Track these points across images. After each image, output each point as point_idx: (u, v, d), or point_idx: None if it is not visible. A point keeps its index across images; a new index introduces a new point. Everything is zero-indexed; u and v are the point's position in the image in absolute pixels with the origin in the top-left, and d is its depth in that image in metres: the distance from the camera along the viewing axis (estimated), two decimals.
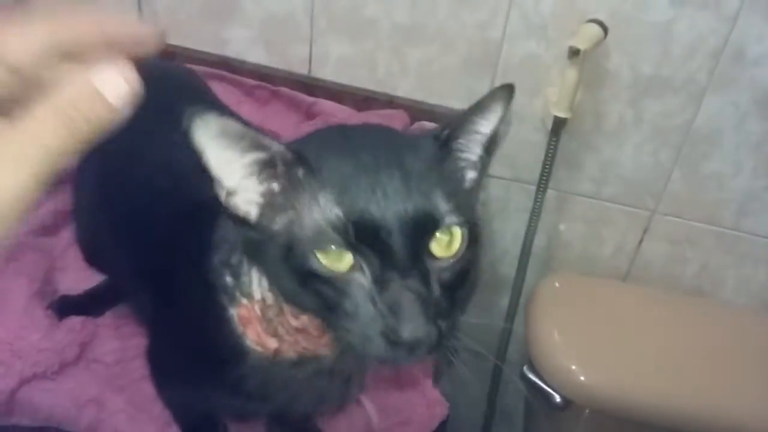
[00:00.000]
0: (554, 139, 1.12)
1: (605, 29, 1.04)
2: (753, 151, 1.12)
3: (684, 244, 1.25)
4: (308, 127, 1.15)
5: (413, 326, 0.46)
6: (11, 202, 0.29)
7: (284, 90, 1.23)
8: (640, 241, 1.27)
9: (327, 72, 1.24)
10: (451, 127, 0.53)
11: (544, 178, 1.16)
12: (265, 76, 1.24)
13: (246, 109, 1.16)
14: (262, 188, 0.51)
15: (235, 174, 0.50)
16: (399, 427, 0.86)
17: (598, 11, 1.04)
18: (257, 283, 0.57)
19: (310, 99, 1.23)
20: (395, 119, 1.19)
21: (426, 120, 1.20)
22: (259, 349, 0.59)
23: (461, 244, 0.50)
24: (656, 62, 1.07)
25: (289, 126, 1.17)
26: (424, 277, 0.48)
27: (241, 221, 0.51)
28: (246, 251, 0.55)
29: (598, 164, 1.20)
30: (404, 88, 1.21)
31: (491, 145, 0.55)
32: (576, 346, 1.15)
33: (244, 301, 0.58)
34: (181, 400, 0.78)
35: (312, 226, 0.48)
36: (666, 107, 1.11)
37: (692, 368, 1.12)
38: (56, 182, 1.10)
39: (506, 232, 1.32)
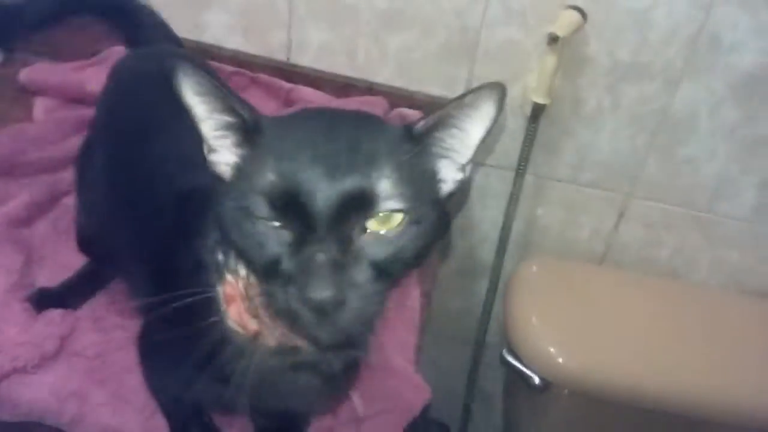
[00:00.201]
0: (533, 125, 1.12)
1: (584, 15, 1.05)
2: (728, 136, 1.14)
3: (659, 228, 1.27)
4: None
5: (320, 288, 0.47)
6: None
7: (263, 77, 1.22)
8: (616, 225, 1.29)
9: (306, 59, 1.23)
10: (428, 121, 0.54)
11: (523, 163, 1.17)
12: (243, 62, 1.23)
13: None
14: (231, 151, 0.56)
15: (211, 131, 0.55)
16: (384, 414, 0.86)
17: None
18: None
19: (288, 85, 1.22)
20: (375, 105, 1.18)
21: (405, 106, 1.20)
22: (240, 330, 0.60)
23: (399, 225, 0.51)
24: (634, 49, 1.08)
25: (267, 113, 1.15)
26: (343, 248, 0.50)
27: (218, 179, 0.56)
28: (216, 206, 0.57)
29: (576, 149, 1.22)
30: (384, 75, 1.21)
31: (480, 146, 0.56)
32: (554, 328, 1.17)
33: (230, 277, 0.59)
34: (168, 390, 0.78)
35: (251, 192, 0.51)
36: (643, 93, 1.13)
37: (668, 349, 1.15)
38: (30, 173, 1.08)
39: (485, 218, 1.32)
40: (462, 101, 0.53)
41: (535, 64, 1.11)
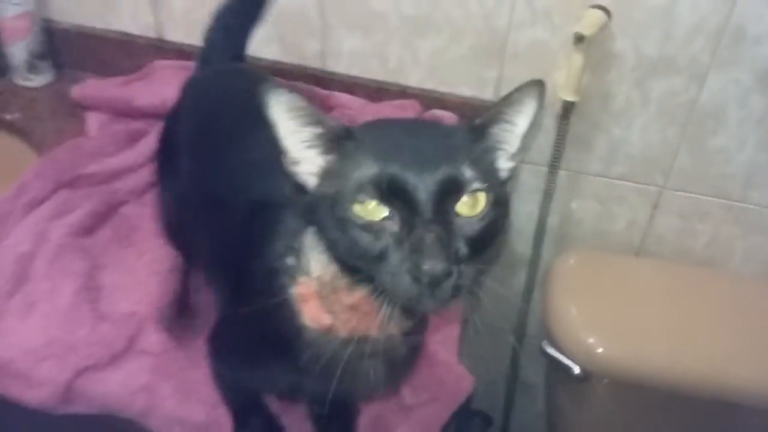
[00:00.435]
0: (564, 122, 1.15)
1: (608, 14, 1.07)
2: (756, 125, 1.15)
3: (694, 218, 1.29)
4: None
5: (433, 261, 0.53)
6: None
7: (300, 84, 1.26)
8: (651, 217, 1.31)
9: (340, 65, 1.27)
10: (484, 118, 0.61)
11: (556, 159, 1.19)
12: (280, 71, 1.27)
13: None
14: (319, 159, 0.61)
15: (299, 144, 0.60)
16: (430, 403, 0.90)
17: None
18: (316, 261, 0.65)
19: (325, 92, 1.26)
20: (408, 108, 1.22)
21: (437, 108, 1.23)
22: (314, 325, 0.67)
23: (485, 207, 0.58)
24: (660, 44, 1.10)
25: None
26: (447, 228, 0.56)
27: (301, 188, 0.62)
28: (302, 213, 0.63)
29: (607, 144, 1.24)
30: (415, 78, 1.24)
31: (526, 137, 0.63)
32: (593, 319, 1.19)
33: (303, 278, 0.66)
34: (233, 382, 0.84)
35: (354, 184, 0.57)
36: (671, 87, 1.14)
37: (705, 336, 1.16)
38: (89, 185, 1.14)
39: (521, 213, 1.35)
40: (509, 99, 0.61)
41: (562, 63, 1.13)
